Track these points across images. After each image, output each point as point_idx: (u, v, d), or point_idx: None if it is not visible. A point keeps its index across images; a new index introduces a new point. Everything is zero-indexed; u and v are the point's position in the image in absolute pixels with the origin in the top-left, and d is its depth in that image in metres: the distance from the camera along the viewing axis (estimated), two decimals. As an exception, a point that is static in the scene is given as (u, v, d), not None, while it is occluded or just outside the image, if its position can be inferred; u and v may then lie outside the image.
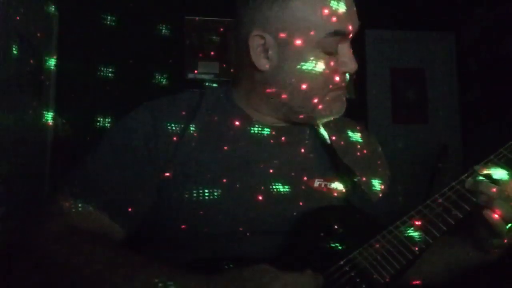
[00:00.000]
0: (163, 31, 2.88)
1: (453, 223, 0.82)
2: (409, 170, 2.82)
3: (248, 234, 0.84)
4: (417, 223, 0.82)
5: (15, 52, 2.10)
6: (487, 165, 0.86)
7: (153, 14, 2.84)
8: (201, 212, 0.83)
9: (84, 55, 2.72)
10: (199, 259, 0.81)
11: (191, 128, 0.89)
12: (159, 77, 2.86)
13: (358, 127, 1.09)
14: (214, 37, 2.97)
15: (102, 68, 2.75)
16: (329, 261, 0.80)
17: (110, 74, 2.76)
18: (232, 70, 0.96)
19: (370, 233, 0.84)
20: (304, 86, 0.87)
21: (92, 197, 0.82)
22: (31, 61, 2.31)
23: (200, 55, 2.95)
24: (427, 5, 3.11)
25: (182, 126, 0.89)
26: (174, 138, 0.87)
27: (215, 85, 2.83)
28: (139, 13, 2.81)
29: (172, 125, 0.89)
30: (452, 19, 3.15)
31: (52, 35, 2.62)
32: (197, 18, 2.96)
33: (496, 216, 0.81)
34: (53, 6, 2.58)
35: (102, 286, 0.72)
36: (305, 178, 0.91)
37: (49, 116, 2.56)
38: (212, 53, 2.96)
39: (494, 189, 0.81)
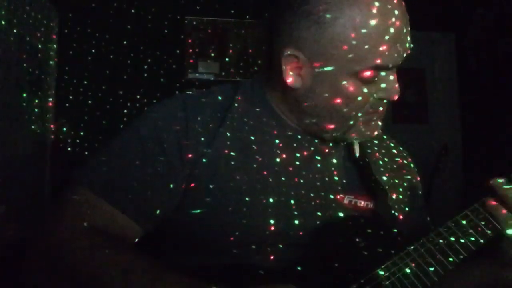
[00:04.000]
0: (164, 31, 2.88)
1: (477, 248, 0.79)
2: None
3: (272, 245, 0.80)
4: (441, 242, 0.79)
5: (15, 52, 2.10)
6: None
7: (153, 14, 2.83)
8: (227, 220, 0.79)
9: (84, 55, 2.72)
10: (220, 266, 0.77)
11: (223, 128, 0.84)
12: (159, 77, 2.85)
13: (392, 142, 1.06)
14: (214, 37, 2.97)
15: (102, 68, 2.75)
16: (351, 277, 0.77)
17: (110, 74, 2.75)
18: (265, 69, 0.90)
19: (393, 250, 0.80)
20: (336, 111, 0.82)
21: (113, 194, 0.77)
22: (31, 61, 2.31)
23: (200, 55, 2.95)
24: (428, 5, 3.11)
25: (215, 125, 0.84)
26: (206, 138, 0.82)
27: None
28: (140, 13, 2.81)
29: (205, 123, 0.84)
30: (452, 19, 3.15)
31: (52, 35, 2.62)
32: (197, 18, 2.96)
33: None
34: (53, 6, 2.57)
35: None
36: (335, 194, 0.87)
37: (48, 116, 2.56)
38: (212, 53, 2.96)
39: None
